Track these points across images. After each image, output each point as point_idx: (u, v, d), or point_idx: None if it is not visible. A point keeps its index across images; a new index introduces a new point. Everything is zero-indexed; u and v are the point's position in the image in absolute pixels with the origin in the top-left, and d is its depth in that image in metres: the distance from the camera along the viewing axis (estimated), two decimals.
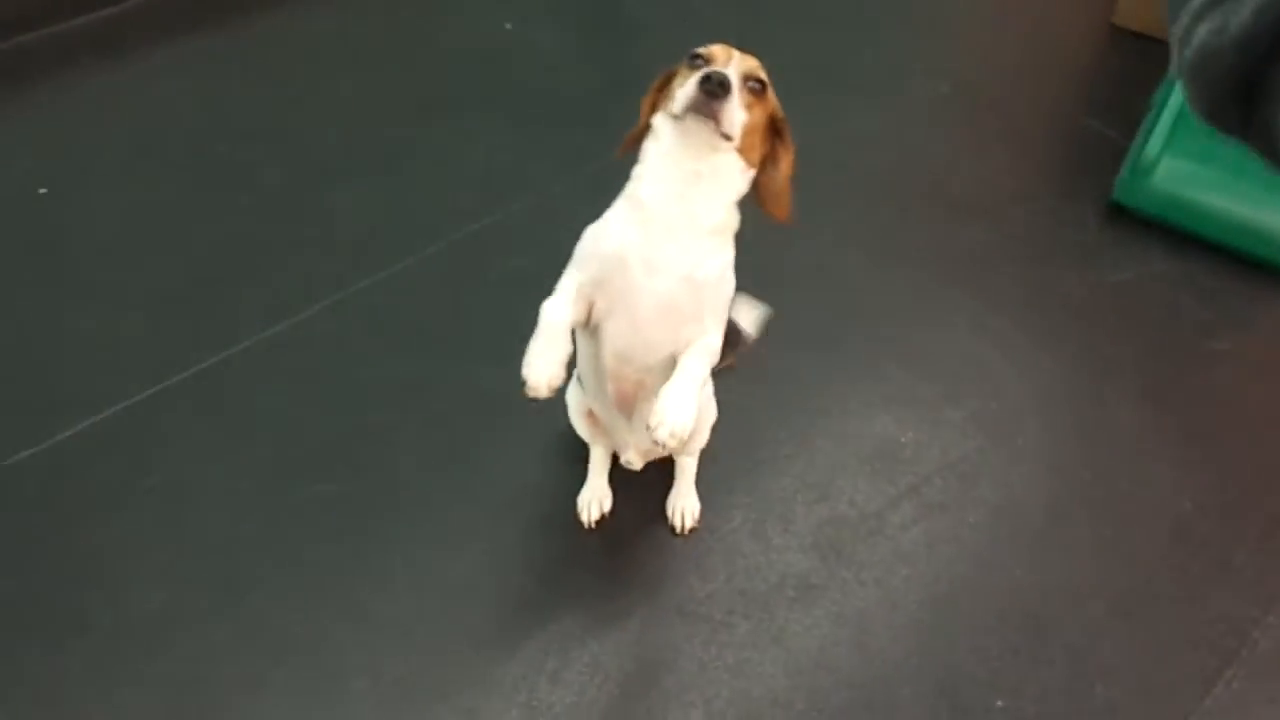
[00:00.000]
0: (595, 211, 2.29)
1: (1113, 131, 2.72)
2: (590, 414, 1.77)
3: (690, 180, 1.38)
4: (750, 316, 1.87)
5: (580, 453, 1.86)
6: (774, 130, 1.42)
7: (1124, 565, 1.85)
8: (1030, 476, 1.98)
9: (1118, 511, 1.93)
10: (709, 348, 1.44)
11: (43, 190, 2.27)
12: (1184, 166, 2.41)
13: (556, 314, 1.41)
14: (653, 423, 1.37)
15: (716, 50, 1.38)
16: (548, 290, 2.13)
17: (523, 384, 1.37)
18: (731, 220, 1.43)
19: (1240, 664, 1.74)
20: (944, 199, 2.53)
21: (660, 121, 1.40)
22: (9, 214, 2.20)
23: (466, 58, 2.77)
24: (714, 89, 1.28)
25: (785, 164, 1.44)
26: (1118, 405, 2.12)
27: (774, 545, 1.81)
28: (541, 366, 1.37)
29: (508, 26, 2.86)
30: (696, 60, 1.37)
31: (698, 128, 1.32)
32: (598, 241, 1.44)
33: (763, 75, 1.38)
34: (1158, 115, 2.43)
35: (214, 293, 2.10)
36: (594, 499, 1.81)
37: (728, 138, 1.33)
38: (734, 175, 1.40)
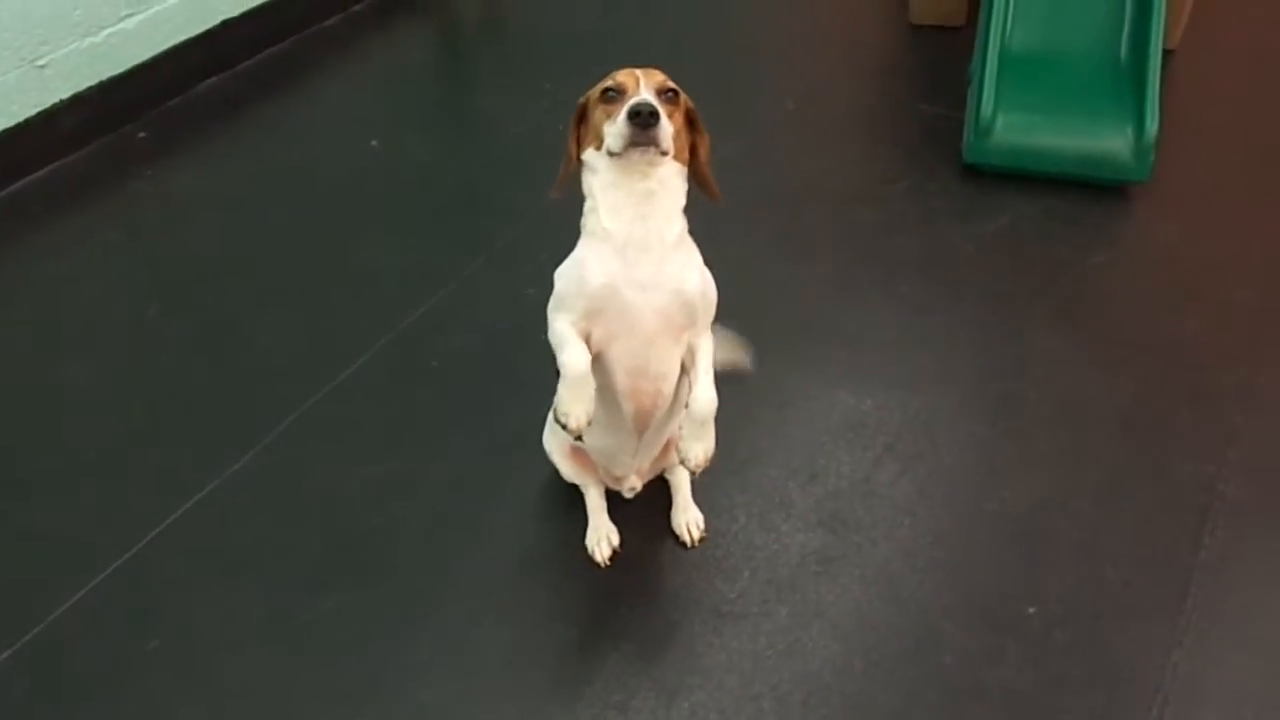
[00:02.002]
0: (511, 284, 2.37)
1: (943, 109, 3.00)
2: (575, 453, 1.81)
3: (645, 199, 1.48)
4: (737, 355, 2.01)
5: (574, 498, 1.89)
6: (688, 121, 1.52)
7: (1092, 462, 2.01)
8: (983, 410, 2.13)
9: (1068, 420, 2.10)
10: (708, 351, 1.57)
11: None
12: (1017, 118, 2.69)
13: (578, 361, 1.48)
14: (683, 457, 1.55)
15: (624, 79, 1.47)
16: (490, 362, 2.21)
17: (563, 426, 1.50)
18: (684, 223, 1.54)
19: (1215, 515, 1.90)
20: (823, 197, 2.72)
21: (595, 157, 1.50)
22: None
23: (344, 180, 2.82)
24: (645, 120, 1.38)
25: (703, 149, 1.55)
26: (1034, 332, 2.31)
27: (783, 531, 1.88)
28: (579, 409, 1.48)
29: (374, 144, 2.94)
30: (610, 94, 1.46)
31: (639, 156, 1.43)
32: (581, 281, 1.51)
33: (671, 83, 1.48)
34: (981, 82, 2.71)
35: (163, 447, 2.05)
36: (601, 538, 1.84)
37: (665, 153, 1.44)
38: (678, 180, 1.52)
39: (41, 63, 2.68)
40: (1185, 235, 2.59)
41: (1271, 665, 1.67)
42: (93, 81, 2.81)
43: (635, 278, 1.48)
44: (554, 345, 1.53)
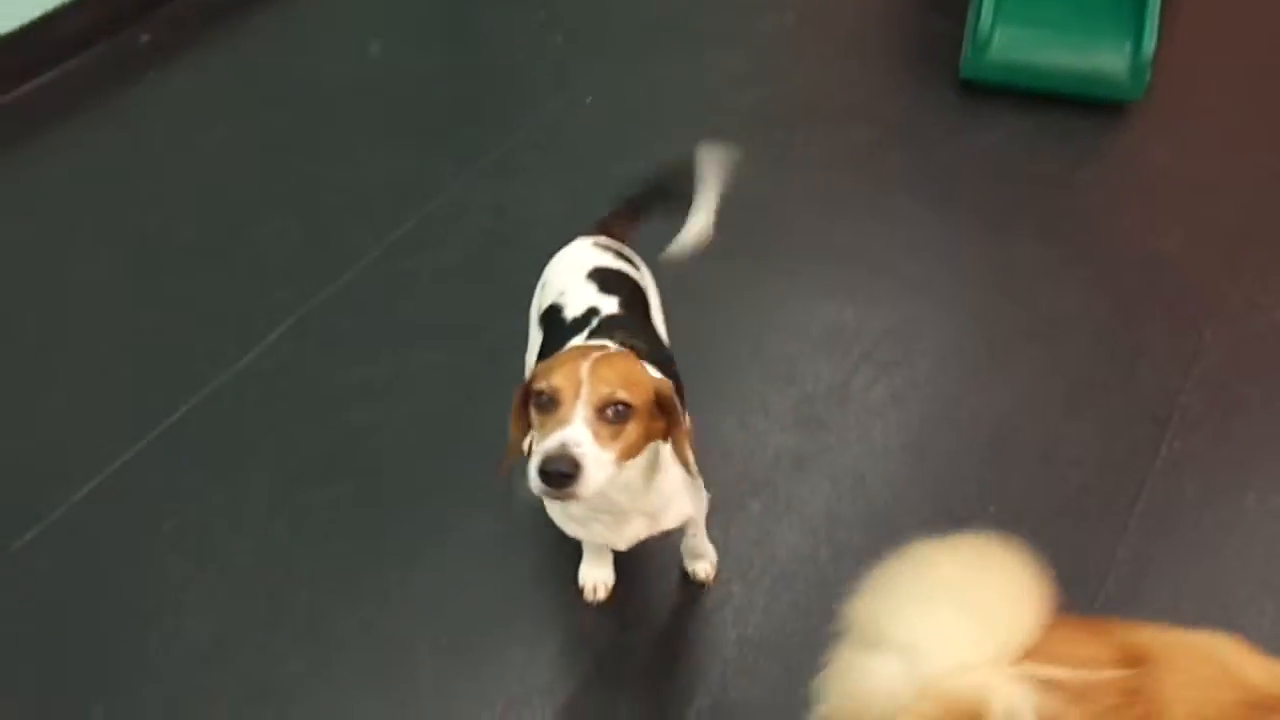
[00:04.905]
0: (501, 196, 2.43)
1: (944, 22, 2.97)
2: None
3: (606, 503, 1.33)
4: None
5: None
6: (661, 408, 1.25)
7: (1060, 372, 2.08)
8: (960, 321, 2.20)
9: (1043, 331, 2.17)
10: (702, 515, 1.63)
11: None
12: (1015, 33, 2.69)
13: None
14: (691, 570, 1.71)
15: (560, 383, 1.16)
16: (479, 273, 2.28)
17: (581, 590, 1.73)
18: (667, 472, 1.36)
19: (1175, 426, 1.98)
20: (820, 111, 2.74)
21: None
22: None
23: (344, 88, 2.85)
24: (558, 481, 1.11)
25: (681, 439, 1.27)
26: (1016, 245, 2.36)
27: (760, 431, 1.97)
28: (594, 574, 1.73)
29: (374, 50, 2.96)
30: (543, 400, 1.17)
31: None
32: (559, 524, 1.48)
33: (623, 396, 1.16)
34: None
35: (171, 345, 2.14)
36: None
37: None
38: (645, 469, 1.32)
39: None
40: (1175, 155, 2.61)
41: (1206, 564, 1.76)
42: None
43: (608, 536, 1.45)
44: None
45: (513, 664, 1.64)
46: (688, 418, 1.39)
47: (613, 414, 1.16)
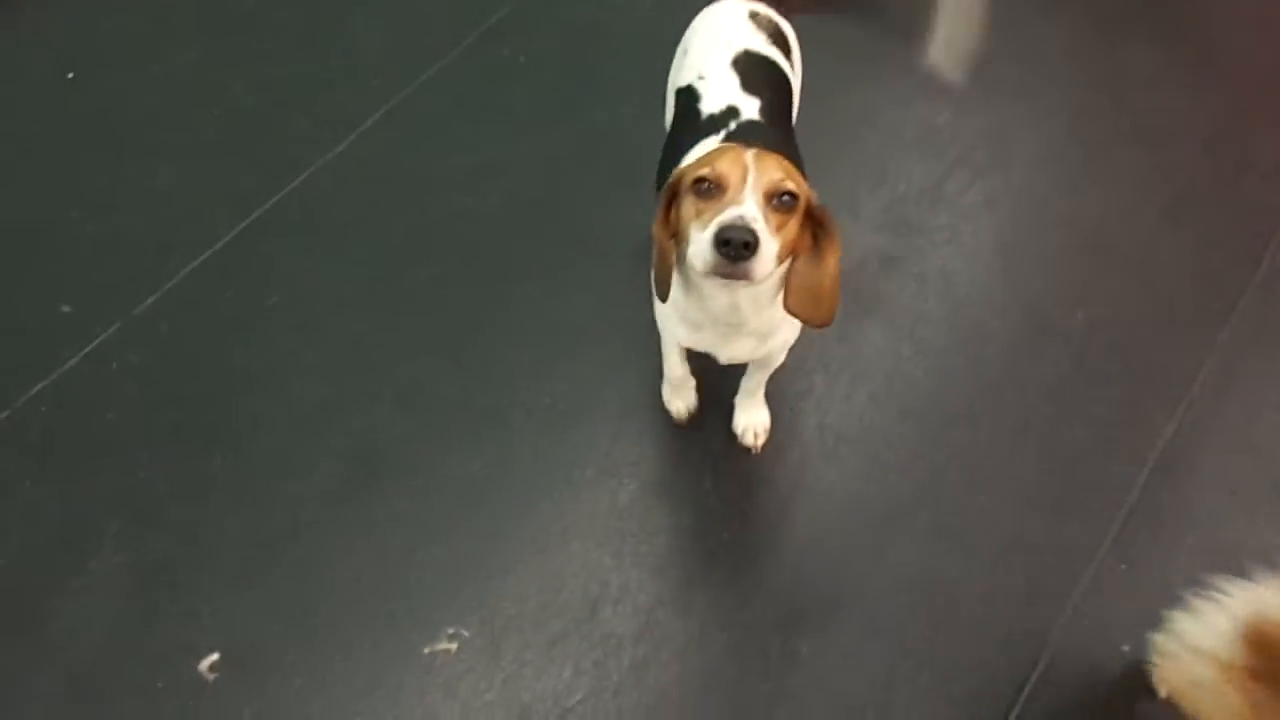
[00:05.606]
0: None
1: None
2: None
3: (730, 311, 1.28)
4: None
5: (644, 184, 1.99)
6: (812, 219, 1.19)
7: (1163, 180, 2.03)
8: (1060, 124, 2.13)
9: (1148, 138, 2.09)
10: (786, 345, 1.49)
11: (70, 75, 2.31)
12: None
13: (676, 372, 1.67)
14: (739, 431, 1.69)
15: (725, 169, 1.13)
16: (572, 60, 2.24)
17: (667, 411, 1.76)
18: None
19: (1278, 243, 1.93)
20: None
21: (680, 254, 1.21)
22: (51, 100, 2.25)
23: None
24: (736, 252, 1.07)
25: (831, 262, 1.19)
26: (1127, 49, 2.25)
27: (848, 230, 1.96)
28: (678, 403, 1.74)
29: None
30: (704, 186, 1.14)
31: (723, 283, 1.16)
32: (668, 333, 1.48)
33: (791, 186, 1.14)
34: None
35: (269, 129, 2.18)
36: None
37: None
38: (774, 290, 1.26)
39: None
40: None
41: None
42: None
43: (714, 346, 1.41)
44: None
45: (602, 437, 1.74)
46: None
47: (778, 203, 1.13)
